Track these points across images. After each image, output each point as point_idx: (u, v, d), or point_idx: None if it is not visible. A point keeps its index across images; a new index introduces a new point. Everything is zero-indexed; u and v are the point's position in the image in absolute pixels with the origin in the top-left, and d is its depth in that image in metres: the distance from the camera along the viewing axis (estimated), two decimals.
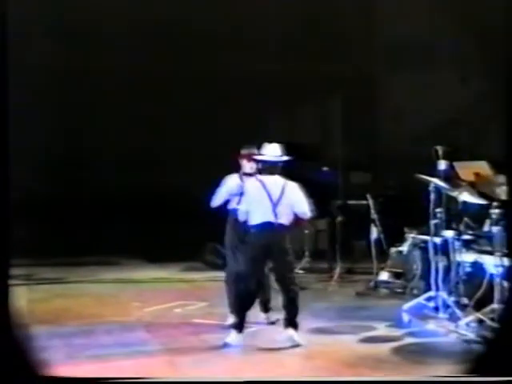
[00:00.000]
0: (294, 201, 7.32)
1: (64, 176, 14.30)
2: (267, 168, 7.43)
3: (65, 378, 5.82)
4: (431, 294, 8.09)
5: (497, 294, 7.24)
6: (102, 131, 14.45)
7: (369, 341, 7.47)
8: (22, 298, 7.90)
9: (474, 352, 6.71)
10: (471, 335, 7.17)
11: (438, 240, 8.05)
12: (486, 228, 7.94)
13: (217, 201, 8.03)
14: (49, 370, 5.69)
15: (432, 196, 7.97)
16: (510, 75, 6.04)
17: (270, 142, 7.63)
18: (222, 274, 8.69)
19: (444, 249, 8.07)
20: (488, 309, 7.32)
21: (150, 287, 10.90)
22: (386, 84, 15.34)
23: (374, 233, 10.36)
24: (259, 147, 7.74)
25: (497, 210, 7.41)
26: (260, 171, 7.62)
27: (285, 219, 7.28)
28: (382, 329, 7.90)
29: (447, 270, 8.09)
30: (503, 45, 6.46)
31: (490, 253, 7.51)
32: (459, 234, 8.03)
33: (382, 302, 9.34)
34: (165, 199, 13.87)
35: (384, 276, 10.00)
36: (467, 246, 8.03)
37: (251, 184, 7.49)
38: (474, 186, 8.22)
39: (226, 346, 7.22)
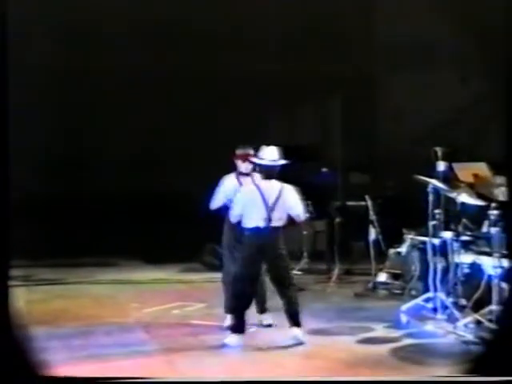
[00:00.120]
0: (290, 205, 7.35)
1: (63, 176, 14.29)
2: (264, 172, 7.44)
3: (64, 377, 5.84)
4: (429, 295, 8.09)
5: (495, 296, 7.24)
6: (102, 131, 14.46)
7: (367, 342, 7.47)
8: (20, 298, 7.90)
9: (473, 353, 6.71)
10: (469, 336, 7.18)
11: (436, 241, 8.06)
12: (484, 229, 7.94)
13: (215, 203, 8.04)
14: (48, 370, 5.70)
15: (430, 197, 7.97)
16: (510, 75, 6.04)
17: (269, 143, 7.63)
18: (220, 275, 8.69)
19: (442, 250, 8.07)
20: (486, 310, 7.33)
21: (148, 288, 10.90)
22: (385, 84, 15.34)
23: (373, 234, 10.37)
24: (257, 148, 7.75)
25: (495, 212, 7.41)
26: (256, 170, 7.65)
27: (279, 223, 7.31)
28: (380, 330, 7.90)
29: (445, 271, 8.09)
30: (503, 45, 6.47)
31: (489, 254, 7.51)
32: (458, 235, 8.03)
33: (381, 303, 9.35)
34: (164, 200, 13.88)
35: (382, 277, 10.01)
36: (466, 247, 8.04)
37: (247, 188, 7.50)
38: (473, 187, 8.23)
39: (224, 346, 7.24)
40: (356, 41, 15.16)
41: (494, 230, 7.33)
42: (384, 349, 7.12)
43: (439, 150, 8.33)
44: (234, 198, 7.61)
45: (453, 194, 8.09)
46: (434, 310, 7.97)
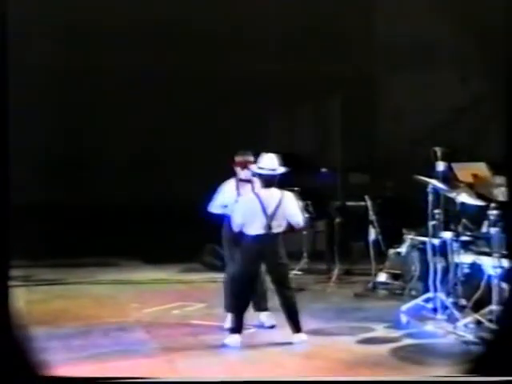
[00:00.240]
0: (289, 213, 7.37)
1: (63, 176, 14.31)
2: (264, 181, 7.44)
3: (64, 377, 5.84)
4: (429, 295, 8.09)
5: (495, 296, 7.24)
6: (102, 132, 14.47)
7: (367, 342, 7.47)
8: (20, 299, 7.91)
9: (473, 353, 6.71)
10: (469, 336, 7.17)
11: (436, 241, 8.05)
12: (484, 229, 7.95)
13: (214, 207, 8.05)
14: (48, 370, 5.71)
15: (430, 197, 7.97)
16: (510, 75, 6.05)
17: (269, 144, 7.66)
18: (220, 275, 8.70)
19: (442, 250, 8.07)
20: (486, 310, 7.33)
21: (148, 288, 10.89)
22: (385, 84, 15.35)
23: (373, 234, 10.36)
24: (257, 152, 7.77)
25: (495, 212, 7.41)
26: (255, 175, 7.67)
27: (279, 229, 7.34)
28: (380, 330, 7.90)
29: (445, 271, 8.09)
30: (503, 45, 6.47)
31: (488, 254, 7.51)
32: (457, 235, 8.03)
33: (381, 303, 9.34)
34: (164, 200, 13.88)
35: (382, 277, 10.00)
36: (465, 247, 8.04)
37: (246, 197, 7.51)
38: (473, 188, 8.23)
39: (224, 346, 7.25)
40: (356, 41, 15.17)
41: (493, 230, 7.33)
42: (384, 349, 7.12)
43: (439, 150, 8.33)
44: (234, 206, 7.61)
45: (452, 194, 8.10)
46: (434, 310, 7.97)
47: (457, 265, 7.99)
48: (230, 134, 13.61)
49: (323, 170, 12.38)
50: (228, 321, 7.72)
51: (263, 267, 7.59)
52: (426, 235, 8.30)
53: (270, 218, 7.26)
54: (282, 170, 7.45)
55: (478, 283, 7.57)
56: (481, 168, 8.24)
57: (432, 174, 8.19)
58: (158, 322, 8.47)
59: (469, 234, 8.14)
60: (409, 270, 9.40)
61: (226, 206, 8.00)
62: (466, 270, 8.00)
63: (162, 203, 13.79)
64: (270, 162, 7.43)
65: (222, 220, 8.10)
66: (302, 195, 11.46)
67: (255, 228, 7.28)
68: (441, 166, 8.25)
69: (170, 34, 14.53)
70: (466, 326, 7.36)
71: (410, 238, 9.44)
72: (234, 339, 7.28)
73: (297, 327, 7.34)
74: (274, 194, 7.36)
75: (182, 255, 12.32)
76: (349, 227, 11.37)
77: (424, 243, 8.57)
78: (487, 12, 12.76)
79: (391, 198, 12.27)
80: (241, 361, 6.98)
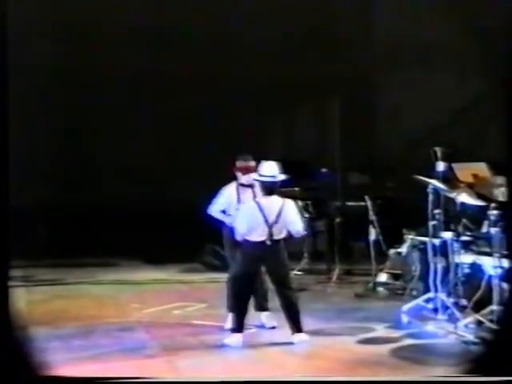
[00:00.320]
0: (289, 221, 7.39)
1: (63, 177, 14.31)
2: (265, 188, 7.46)
3: (64, 378, 5.84)
4: (430, 295, 8.08)
5: (495, 296, 7.24)
6: (102, 132, 14.47)
7: (368, 342, 7.46)
8: (21, 299, 7.90)
9: (473, 353, 6.71)
10: (470, 336, 7.16)
11: (436, 241, 8.05)
12: (484, 229, 7.94)
13: (214, 210, 8.05)
14: (48, 370, 5.71)
15: (430, 197, 7.96)
16: (510, 75, 6.04)
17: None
18: (220, 276, 8.70)
19: (443, 250, 8.06)
20: (487, 310, 7.33)
21: (149, 288, 10.89)
22: (385, 84, 15.35)
23: (373, 234, 10.34)
24: (256, 155, 7.77)
25: (495, 212, 7.41)
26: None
27: (280, 236, 7.37)
28: (380, 330, 7.89)
29: (446, 271, 8.08)
30: (503, 45, 6.47)
31: (489, 254, 7.51)
32: (458, 235, 8.02)
33: (381, 303, 9.34)
34: (164, 201, 13.87)
35: (383, 277, 10.00)
36: (466, 247, 8.03)
37: (247, 205, 7.51)
38: (473, 188, 8.23)
39: (224, 346, 7.25)
40: (356, 41, 15.18)
41: (493, 230, 7.32)
42: (384, 349, 7.11)
43: (439, 151, 8.32)
44: (235, 215, 7.62)
45: (453, 195, 8.09)
46: (435, 310, 7.96)
47: (457, 265, 7.98)
48: (230, 134, 13.63)
49: (323, 170, 12.39)
50: (229, 321, 7.72)
51: (264, 268, 7.60)
52: (426, 235, 8.29)
53: (272, 226, 7.29)
54: (282, 177, 7.47)
55: (479, 283, 7.57)
56: (481, 168, 8.24)
57: (432, 174, 8.18)
58: (159, 322, 8.47)
59: (469, 234, 8.14)
60: (409, 270, 9.40)
61: (224, 212, 8.01)
62: (467, 270, 8.00)
63: (162, 203, 13.79)
64: (270, 170, 7.45)
65: (223, 221, 8.10)
66: (302, 195, 11.51)
67: (257, 235, 7.32)
68: (441, 166, 8.24)
69: (170, 34, 14.54)
70: (466, 326, 7.35)
71: (410, 238, 9.44)
72: (235, 339, 7.29)
73: (298, 327, 7.34)
74: (274, 202, 7.37)
75: (183, 255, 12.32)
76: (349, 227, 11.37)
77: (424, 243, 8.56)
78: (487, 12, 12.76)
79: (391, 198, 12.26)
80: (241, 361, 6.97)
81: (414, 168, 8.76)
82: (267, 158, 7.67)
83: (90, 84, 14.44)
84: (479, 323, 7.33)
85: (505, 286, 7.27)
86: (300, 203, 11.38)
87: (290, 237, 7.56)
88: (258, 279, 7.73)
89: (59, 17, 14.26)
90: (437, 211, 7.98)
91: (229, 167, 8.20)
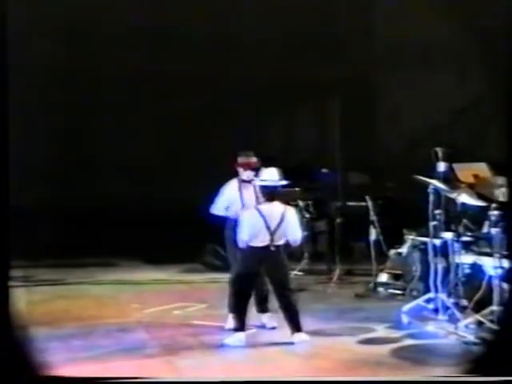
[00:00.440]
0: (290, 229, 7.42)
1: (63, 177, 14.30)
2: (266, 194, 7.46)
3: (64, 378, 5.84)
4: (430, 295, 8.08)
5: (496, 296, 7.24)
6: (102, 132, 14.47)
7: (368, 342, 7.46)
8: (21, 299, 7.92)
9: (474, 353, 6.71)
10: (470, 337, 7.17)
11: (437, 242, 8.05)
12: (485, 230, 7.95)
13: (216, 209, 8.05)
14: (49, 370, 5.71)
15: (431, 198, 7.96)
16: (510, 75, 6.04)
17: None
18: (221, 276, 8.70)
19: (443, 250, 8.07)
20: (487, 310, 7.33)
21: (149, 289, 10.88)
22: (385, 84, 15.35)
23: (373, 234, 10.34)
24: (256, 152, 7.78)
25: (496, 212, 7.41)
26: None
27: (281, 242, 7.40)
28: (381, 330, 7.89)
29: (446, 271, 8.08)
30: (503, 45, 6.48)
31: (489, 254, 7.51)
32: (458, 235, 8.03)
33: (381, 303, 9.33)
34: (164, 200, 13.87)
35: (383, 277, 10.00)
36: (466, 247, 8.04)
37: (250, 213, 7.50)
38: (473, 188, 8.23)
39: (224, 346, 7.25)
40: (356, 41, 15.18)
41: (494, 230, 7.33)
42: (385, 349, 7.11)
43: (439, 151, 8.32)
44: (238, 222, 7.58)
45: (453, 195, 8.09)
46: (435, 310, 7.96)
47: (458, 265, 7.99)
48: (230, 133, 13.62)
49: (323, 170, 12.39)
50: (229, 321, 7.72)
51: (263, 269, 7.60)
52: (426, 235, 8.30)
53: (273, 233, 7.32)
54: (282, 182, 7.49)
55: (479, 284, 7.57)
56: (482, 168, 8.25)
57: (433, 174, 8.18)
58: (159, 323, 8.46)
59: (470, 234, 8.14)
60: (410, 271, 9.40)
61: (227, 208, 8.01)
62: (467, 271, 8.00)
63: (162, 203, 13.78)
64: (270, 176, 7.48)
65: (224, 221, 8.10)
66: (303, 196, 11.52)
67: (258, 242, 7.35)
68: (442, 166, 8.24)
69: (170, 34, 14.53)
70: (467, 326, 7.35)
71: (410, 238, 9.44)
72: (237, 338, 7.30)
73: (297, 327, 7.35)
74: (276, 209, 7.40)
75: (183, 255, 12.31)
76: (349, 227, 11.36)
77: (425, 243, 8.56)
78: (487, 12, 12.76)
79: (392, 199, 12.25)
80: (241, 361, 6.98)
81: (414, 168, 8.75)
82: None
83: (90, 84, 14.43)
84: (480, 323, 7.34)
85: (505, 286, 7.27)
86: (301, 203, 11.40)
87: (287, 244, 7.58)
88: (259, 280, 7.73)
89: (59, 17, 14.25)
90: (437, 211, 7.98)
91: (230, 163, 8.21)
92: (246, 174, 8.06)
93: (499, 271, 7.25)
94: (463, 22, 14.40)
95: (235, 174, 8.17)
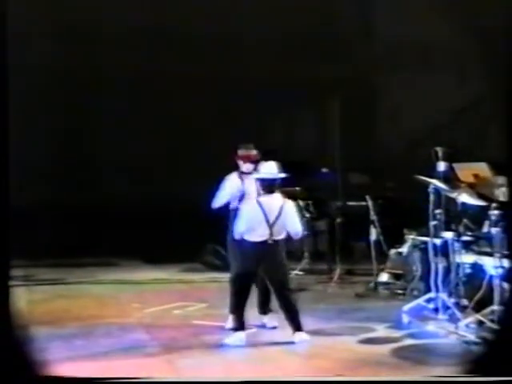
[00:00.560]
0: (289, 222, 7.42)
1: (63, 176, 14.30)
2: (265, 186, 7.47)
3: (65, 377, 5.83)
4: (431, 295, 8.08)
5: (496, 296, 7.24)
6: (102, 132, 14.47)
7: (368, 342, 7.46)
8: (22, 298, 7.91)
9: (474, 353, 6.71)
10: (471, 336, 7.17)
11: (437, 241, 8.05)
12: (485, 229, 7.94)
13: (218, 202, 8.05)
14: (49, 370, 5.70)
15: (431, 197, 7.96)
16: (510, 75, 6.04)
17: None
18: (221, 275, 8.69)
19: (444, 250, 8.07)
20: (488, 310, 7.33)
21: (149, 288, 10.89)
22: (385, 84, 15.35)
23: (374, 234, 10.34)
24: (256, 146, 7.80)
25: (496, 212, 7.41)
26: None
27: (280, 236, 7.40)
28: (381, 330, 7.89)
29: (447, 271, 8.08)
30: (503, 45, 6.48)
31: (490, 254, 7.51)
32: (459, 235, 8.03)
33: (382, 303, 9.33)
34: (164, 200, 13.87)
35: (384, 277, 10.00)
36: (467, 247, 8.03)
37: (249, 205, 7.51)
38: (474, 188, 8.23)
39: (224, 346, 7.25)
40: (356, 41, 15.18)
41: (494, 230, 7.33)
42: (385, 349, 7.11)
43: (440, 151, 8.32)
44: (237, 214, 7.61)
45: (453, 195, 8.09)
46: (436, 310, 7.96)
47: (458, 265, 7.98)
48: (230, 134, 13.60)
49: (324, 170, 12.39)
50: (229, 321, 7.72)
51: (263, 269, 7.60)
52: (427, 235, 8.29)
53: (272, 225, 7.31)
54: (281, 175, 7.50)
55: (480, 283, 7.57)
56: (482, 168, 8.24)
57: (433, 174, 8.18)
58: (159, 322, 8.46)
59: (470, 234, 8.14)
60: (410, 270, 9.39)
61: (229, 203, 8.01)
62: (468, 270, 8.00)
63: (162, 203, 13.78)
64: (269, 168, 7.50)
65: (226, 220, 8.09)
66: (303, 195, 11.51)
67: (257, 235, 7.34)
68: (442, 166, 8.24)
69: (170, 33, 14.53)
70: (467, 326, 7.35)
71: (411, 238, 9.44)
72: (237, 337, 7.31)
73: (298, 326, 7.35)
74: (275, 202, 7.41)
75: (183, 255, 12.31)
76: (350, 227, 11.36)
77: (425, 243, 8.56)
78: (487, 12, 12.76)
79: (392, 198, 12.24)
80: (242, 361, 6.98)
81: (414, 168, 8.75)
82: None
83: (90, 84, 14.43)
84: (480, 323, 7.33)
85: (506, 286, 7.27)
86: (301, 203, 11.39)
87: (288, 238, 7.57)
88: (262, 281, 7.73)
89: (59, 17, 14.25)
90: (438, 211, 7.98)
91: (230, 156, 8.23)
92: (245, 167, 8.08)
93: (500, 271, 7.24)
94: (463, 22, 14.40)
95: (236, 168, 8.19)
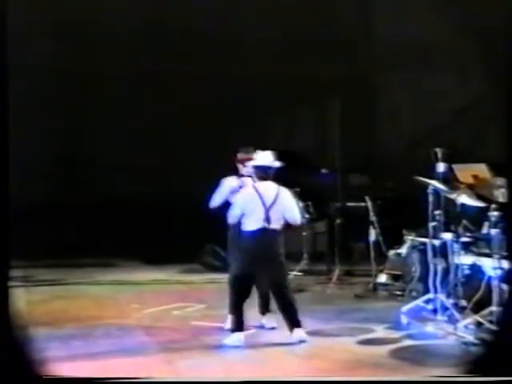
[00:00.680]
0: (286, 207, 7.42)
1: (63, 176, 14.31)
2: (259, 174, 7.50)
3: (64, 378, 5.83)
4: (430, 296, 8.08)
5: (495, 297, 7.24)
6: (102, 132, 14.47)
7: (367, 343, 7.45)
8: (21, 299, 7.90)
9: (473, 354, 6.71)
10: (470, 337, 7.16)
11: (436, 242, 8.05)
12: (484, 230, 7.94)
13: (214, 203, 8.05)
14: (48, 370, 5.70)
15: (430, 198, 7.96)
16: (510, 75, 6.04)
17: (268, 145, 7.70)
18: (220, 276, 8.69)
19: (443, 251, 8.06)
20: (486, 311, 7.33)
21: (148, 289, 10.90)
22: (385, 85, 15.35)
23: (373, 235, 10.35)
24: (256, 149, 7.80)
25: (495, 213, 7.41)
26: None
27: (277, 224, 7.37)
28: (380, 331, 7.89)
29: (446, 272, 8.08)
30: (503, 45, 6.47)
31: (489, 255, 7.51)
32: (458, 236, 8.02)
33: (381, 304, 9.34)
34: (164, 201, 13.87)
35: (383, 278, 10.01)
36: (466, 248, 8.03)
37: (245, 191, 7.54)
38: (473, 189, 8.23)
39: (223, 346, 7.25)
40: (355, 41, 15.18)
41: (494, 231, 7.33)
42: (384, 350, 7.10)
43: (439, 151, 8.32)
44: (233, 198, 7.64)
45: (453, 196, 8.09)
46: (435, 311, 7.96)
47: (457, 266, 7.98)
48: (230, 134, 13.61)
49: (323, 170, 12.40)
50: (228, 322, 7.72)
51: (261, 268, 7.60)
52: (426, 236, 8.30)
53: (269, 209, 7.30)
54: (276, 164, 7.53)
55: (479, 284, 7.57)
56: (481, 169, 8.24)
57: (432, 175, 8.18)
58: (158, 323, 8.46)
59: (469, 235, 8.14)
60: (409, 271, 9.40)
61: (226, 200, 8.02)
62: (467, 271, 7.99)
63: (162, 203, 13.79)
64: (264, 158, 7.54)
65: (222, 221, 8.08)
66: (303, 196, 11.50)
67: (254, 221, 7.32)
68: (441, 167, 8.24)
69: (170, 34, 14.54)
70: (466, 327, 7.35)
71: (410, 238, 9.44)
72: (236, 338, 7.30)
73: (297, 324, 7.34)
74: (270, 187, 7.44)
75: (182, 256, 12.32)
76: (349, 228, 11.37)
77: (424, 244, 8.56)
78: (487, 12, 12.76)
79: (391, 199, 12.25)
80: (241, 361, 6.97)
81: (414, 168, 8.75)
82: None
83: (90, 84, 14.43)
84: (479, 324, 7.33)
85: (504, 287, 7.26)
86: (300, 204, 11.38)
87: (287, 226, 7.56)
88: (263, 282, 7.73)
89: (59, 17, 14.26)
90: (437, 212, 7.98)
91: (229, 159, 8.23)
92: (245, 170, 8.08)
93: (498, 272, 7.24)
94: (463, 22, 14.39)
95: (235, 172, 8.19)
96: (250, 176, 7.99)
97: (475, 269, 7.83)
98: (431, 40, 14.40)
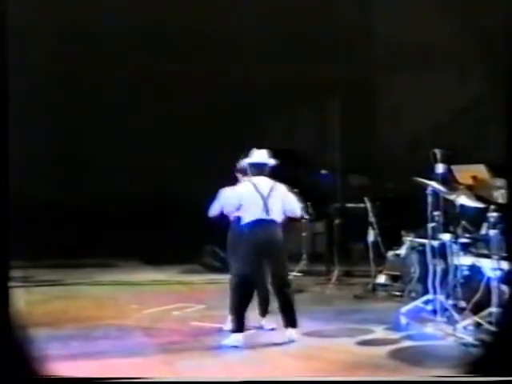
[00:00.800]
0: (284, 200, 7.46)
1: (63, 177, 14.31)
2: (254, 170, 7.55)
3: (64, 378, 5.84)
4: (429, 297, 8.08)
5: (494, 298, 7.24)
6: (102, 132, 14.48)
7: (366, 344, 7.46)
8: (20, 300, 7.90)
9: (472, 355, 6.71)
10: (469, 338, 7.16)
11: (435, 243, 8.05)
12: (483, 231, 7.94)
13: (214, 211, 8.04)
14: (48, 370, 5.71)
15: (430, 199, 7.97)
16: (510, 75, 6.04)
17: (268, 145, 7.72)
18: (220, 277, 8.68)
19: (442, 252, 8.06)
20: (486, 312, 7.32)
21: (148, 289, 10.90)
22: (385, 85, 15.35)
23: (372, 236, 10.35)
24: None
25: (494, 214, 7.41)
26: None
27: (276, 216, 7.40)
28: (379, 332, 7.89)
29: (445, 273, 8.07)
30: (503, 45, 6.47)
31: (488, 256, 7.51)
32: (457, 237, 8.02)
33: (380, 304, 9.34)
34: (164, 201, 13.88)
35: (382, 279, 10.02)
36: (465, 249, 8.02)
37: (243, 186, 7.58)
38: (472, 190, 8.23)
39: (223, 347, 7.26)
40: (356, 41, 15.18)
41: (493, 232, 7.32)
42: (383, 351, 7.10)
43: (438, 152, 8.32)
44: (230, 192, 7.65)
45: (452, 196, 8.08)
46: (434, 312, 7.95)
47: (456, 267, 7.97)
48: (230, 134, 13.63)
49: (323, 171, 12.41)
50: (228, 322, 7.72)
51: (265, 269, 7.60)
52: (425, 237, 8.30)
53: (267, 200, 7.34)
54: (271, 161, 7.59)
55: (478, 285, 7.57)
56: (480, 170, 8.24)
57: (431, 175, 8.19)
58: (158, 324, 8.46)
59: (468, 236, 8.14)
60: (408, 272, 9.40)
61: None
62: (466, 272, 7.99)
63: (162, 204, 13.80)
64: (260, 155, 7.61)
65: (223, 222, 8.09)
66: (302, 196, 11.50)
67: (253, 212, 7.35)
68: (440, 167, 8.24)
69: (170, 34, 14.54)
70: (465, 328, 7.35)
71: (409, 239, 9.45)
72: (235, 339, 7.30)
73: (292, 323, 7.36)
74: (265, 182, 7.49)
75: (182, 256, 12.33)
76: (348, 229, 11.38)
77: (423, 245, 8.57)
78: (487, 12, 12.76)
79: (391, 200, 12.25)
80: (240, 362, 6.97)
81: (413, 169, 8.75)
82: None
83: (90, 84, 14.44)
84: (478, 325, 7.33)
85: (504, 288, 7.27)
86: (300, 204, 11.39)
87: (289, 220, 7.56)
88: (262, 284, 7.73)
89: (59, 17, 14.26)
90: (436, 213, 7.98)
91: (230, 168, 8.22)
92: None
93: (497, 273, 7.24)
94: (463, 22, 14.40)
95: (236, 181, 8.16)
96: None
97: (474, 270, 7.82)
98: (431, 40, 14.41)
